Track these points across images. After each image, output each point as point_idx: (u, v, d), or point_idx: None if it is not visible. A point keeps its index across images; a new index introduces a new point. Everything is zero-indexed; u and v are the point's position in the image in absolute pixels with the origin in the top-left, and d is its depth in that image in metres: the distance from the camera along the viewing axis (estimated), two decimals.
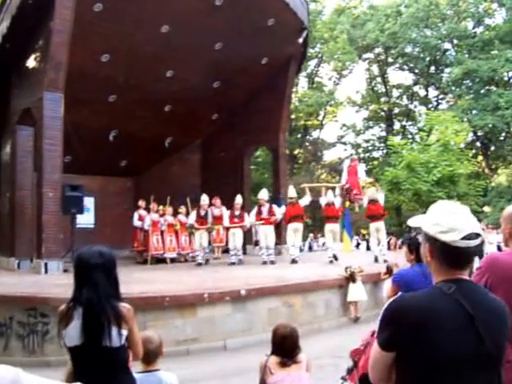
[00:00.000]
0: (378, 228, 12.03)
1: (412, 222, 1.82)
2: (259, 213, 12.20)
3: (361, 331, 3.37)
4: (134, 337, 2.59)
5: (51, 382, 1.29)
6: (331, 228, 12.26)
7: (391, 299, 1.71)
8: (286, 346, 3.35)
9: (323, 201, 12.36)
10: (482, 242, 1.62)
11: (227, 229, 12.49)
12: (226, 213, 12.46)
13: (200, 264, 11.93)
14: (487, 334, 1.52)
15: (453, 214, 1.65)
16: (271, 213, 12.18)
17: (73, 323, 2.46)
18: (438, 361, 1.52)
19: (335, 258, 11.95)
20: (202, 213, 12.45)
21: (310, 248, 22.95)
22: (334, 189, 12.91)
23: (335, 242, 12.64)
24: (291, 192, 12.48)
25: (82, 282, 2.53)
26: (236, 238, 12.22)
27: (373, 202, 12.12)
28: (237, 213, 12.27)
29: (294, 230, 12.19)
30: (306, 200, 12.64)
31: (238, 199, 12.51)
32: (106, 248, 2.67)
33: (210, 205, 12.57)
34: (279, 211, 12.40)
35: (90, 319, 2.44)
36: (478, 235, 1.62)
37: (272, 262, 11.75)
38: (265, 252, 11.97)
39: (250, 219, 12.34)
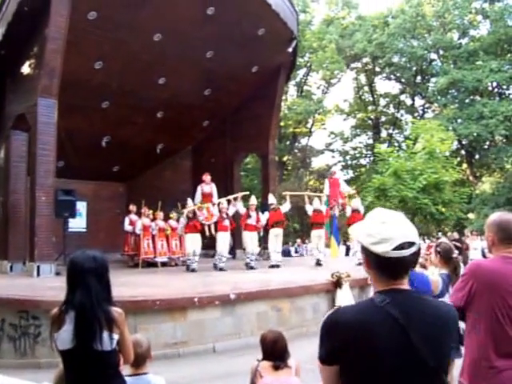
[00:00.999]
0: None
1: (351, 230, 1.77)
2: (247, 217, 12.33)
3: None
4: (125, 341, 2.60)
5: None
6: (318, 234, 12.65)
7: (328, 312, 1.67)
8: (277, 350, 3.43)
9: (309, 208, 12.70)
10: (418, 251, 1.57)
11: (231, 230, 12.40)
12: (215, 190, 12.57)
13: (194, 270, 11.52)
14: (423, 343, 1.49)
15: (384, 223, 1.60)
16: (258, 219, 12.42)
17: (65, 327, 2.46)
18: (372, 372, 1.51)
19: (319, 263, 12.31)
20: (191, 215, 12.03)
21: (297, 252, 23.18)
22: (319, 197, 13.19)
23: (322, 247, 12.97)
24: (271, 199, 12.84)
25: (75, 285, 2.53)
26: (254, 242, 12.36)
27: (357, 211, 12.59)
28: (253, 213, 12.32)
29: (275, 236, 12.48)
30: (286, 207, 12.98)
31: (253, 199, 12.61)
32: (99, 253, 2.67)
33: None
34: (264, 217, 12.63)
35: (82, 323, 2.45)
36: (412, 244, 1.58)
37: (252, 267, 11.85)
38: (251, 257, 12.11)
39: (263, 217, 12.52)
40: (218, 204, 12.31)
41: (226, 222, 11.91)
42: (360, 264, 11.79)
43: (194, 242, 11.67)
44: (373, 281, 1.68)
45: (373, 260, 1.62)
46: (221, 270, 11.53)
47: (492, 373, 2.42)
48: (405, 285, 1.62)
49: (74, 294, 2.50)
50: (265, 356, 3.46)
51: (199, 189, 12.63)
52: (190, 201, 12.42)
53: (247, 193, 13.06)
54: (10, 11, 10.64)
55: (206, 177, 12.79)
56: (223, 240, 11.93)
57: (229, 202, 12.45)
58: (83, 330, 2.44)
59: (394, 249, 1.55)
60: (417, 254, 1.61)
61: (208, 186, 12.68)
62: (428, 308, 1.59)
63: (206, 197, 12.48)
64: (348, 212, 12.97)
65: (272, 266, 12.04)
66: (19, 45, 11.23)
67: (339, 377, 1.58)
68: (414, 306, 1.57)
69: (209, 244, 12.61)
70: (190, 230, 11.72)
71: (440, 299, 3.82)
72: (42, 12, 10.38)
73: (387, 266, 1.59)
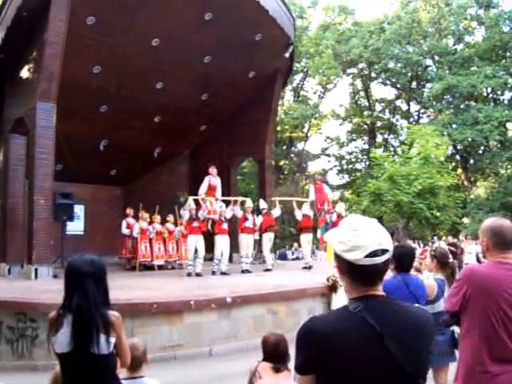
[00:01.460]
0: None
1: (326, 237, 1.75)
2: (244, 220, 12.38)
3: None
4: (122, 344, 2.60)
5: None
6: (308, 238, 12.91)
7: (302, 322, 1.64)
8: (278, 353, 3.43)
9: (299, 213, 12.90)
10: (411, 256, 1.56)
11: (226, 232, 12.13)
12: (220, 184, 12.59)
13: (199, 274, 11.12)
14: (399, 349, 1.48)
15: (356, 230, 1.58)
16: (254, 222, 12.51)
17: (62, 330, 2.46)
18: (349, 380, 1.50)
19: (306, 266, 12.49)
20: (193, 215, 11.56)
21: (293, 255, 23.17)
22: (307, 202, 13.32)
23: (309, 251, 13.30)
24: (262, 204, 12.97)
25: (73, 289, 2.53)
26: (250, 245, 12.42)
27: (341, 216, 12.66)
28: (249, 217, 12.35)
29: (269, 240, 12.59)
30: (277, 212, 13.17)
31: (249, 203, 12.67)
32: (97, 256, 2.67)
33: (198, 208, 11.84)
34: (258, 221, 12.75)
35: (80, 326, 2.44)
36: (385, 251, 1.56)
37: (247, 271, 11.88)
38: (247, 260, 12.18)
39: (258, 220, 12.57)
40: (223, 201, 12.32)
41: (225, 226, 11.86)
42: (309, 268, 12.27)
43: (197, 244, 11.32)
44: (346, 288, 1.67)
45: (345, 267, 1.60)
46: (223, 274, 11.37)
47: (486, 377, 2.44)
48: (379, 291, 1.61)
49: (72, 297, 2.51)
50: (266, 358, 3.48)
51: (207, 180, 12.48)
52: (191, 200, 12.05)
53: (246, 199, 13.10)
54: (9, 16, 10.70)
55: (213, 169, 12.72)
56: (222, 243, 11.75)
57: (228, 202, 12.49)
58: (81, 334, 2.44)
59: (367, 256, 1.54)
60: (391, 260, 1.62)
61: (215, 179, 12.64)
62: (404, 314, 1.58)
63: (212, 190, 12.38)
64: (334, 217, 13.08)
65: (266, 270, 12.16)
66: (18, 49, 11.29)
67: None
68: (389, 312, 1.56)
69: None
70: (194, 231, 11.37)
71: (435, 304, 3.93)
72: (41, 17, 10.45)
73: (360, 273, 1.57)
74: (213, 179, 12.61)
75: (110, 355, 2.51)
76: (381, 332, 1.49)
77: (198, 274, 11.11)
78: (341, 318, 1.56)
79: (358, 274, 1.58)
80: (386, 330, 1.49)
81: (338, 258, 1.63)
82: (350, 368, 1.49)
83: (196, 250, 11.32)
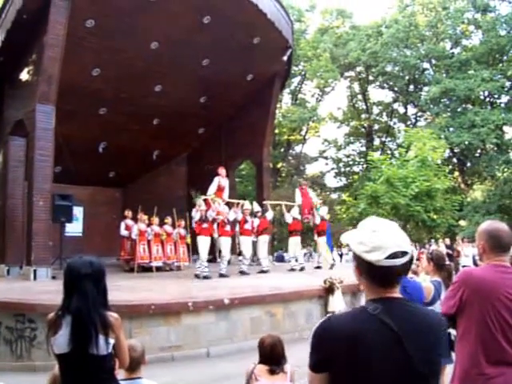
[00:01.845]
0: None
1: (343, 237, 1.75)
2: (245, 222, 12.41)
3: None
4: (120, 345, 2.61)
5: None
6: (297, 241, 13.16)
7: (321, 320, 1.65)
8: (274, 355, 3.46)
9: (288, 216, 13.01)
10: (411, 259, 1.55)
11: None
12: (227, 185, 12.59)
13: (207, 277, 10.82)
14: (415, 351, 1.49)
15: (376, 232, 1.60)
16: (252, 226, 12.58)
17: (61, 331, 2.48)
18: (364, 380, 1.50)
19: (293, 268, 12.68)
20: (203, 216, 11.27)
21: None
22: (292, 207, 13.47)
23: (298, 253, 13.53)
24: (256, 207, 12.95)
25: (72, 290, 2.54)
26: (249, 247, 12.47)
27: (324, 220, 13.37)
28: (248, 219, 12.37)
29: (264, 242, 12.68)
30: (270, 215, 13.30)
31: (248, 205, 12.67)
32: (96, 258, 2.68)
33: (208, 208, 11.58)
34: (255, 223, 12.81)
35: (79, 327, 2.46)
36: (404, 253, 1.58)
37: (244, 273, 11.90)
38: (245, 262, 12.21)
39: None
40: (227, 204, 12.30)
41: (228, 228, 11.85)
42: (295, 269, 12.43)
43: (207, 246, 11.19)
44: (364, 289, 1.67)
45: (364, 268, 1.61)
46: (222, 275, 11.16)
47: (482, 380, 2.45)
48: (397, 293, 1.62)
49: (71, 299, 2.52)
50: (262, 360, 3.49)
51: (216, 180, 12.33)
52: (200, 201, 11.69)
53: (246, 202, 13.14)
54: (9, 19, 10.75)
55: (222, 170, 12.65)
56: (224, 245, 11.70)
57: (229, 204, 12.48)
58: (79, 335, 2.46)
59: (387, 257, 1.55)
60: (409, 263, 1.61)
61: (224, 180, 12.58)
62: (419, 316, 1.59)
63: (220, 190, 12.29)
64: (317, 220, 13.35)
65: (262, 272, 12.16)
66: (18, 52, 11.36)
67: None
68: (406, 314, 1.57)
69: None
70: (204, 232, 11.18)
71: (431, 306, 3.91)
72: (41, 20, 10.51)
73: (379, 275, 1.58)
74: (222, 180, 12.54)
75: (108, 356, 2.53)
76: (399, 334, 1.50)
77: (205, 277, 10.85)
78: (359, 319, 1.56)
79: (377, 275, 1.59)
80: (404, 332, 1.51)
81: (357, 258, 1.64)
82: (365, 368, 1.50)
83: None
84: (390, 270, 1.57)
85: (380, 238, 1.58)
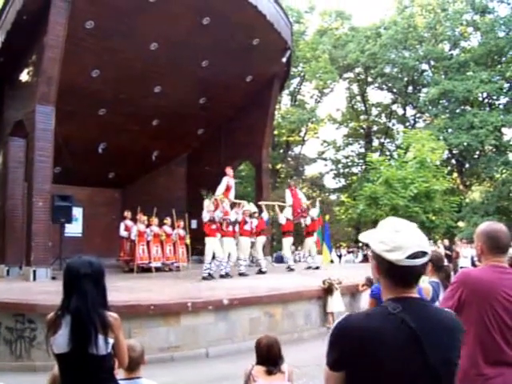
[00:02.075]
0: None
1: (362, 236, 1.77)
2: (244, 223, 12.40)
3: None
4: (120, 345, 2.62)
5: None
6: (291, 241, 13.29)
7: (339, 318, 1.65)
8: (271, 356, 3.47)
9: (282, 217, 13.07)
10: (456, 257, 1.60)
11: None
12: (234, 186, 12.71)
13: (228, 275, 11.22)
14: (434, 351, 1.51)
15: (398, 231, 1.62)
16: (251, 226, 12.59)
17: (61, 331, 2.49)
18: (383, 380, 1.51)
19: (310, 266, 12.79)
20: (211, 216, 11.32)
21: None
22: (284, 208, 13.53)
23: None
24: (253, 208, 12.95)
25: (71, 290, 2.55)
26: (248, 247, 12.53)
27: (314, 220, 13.43)
28: (248, 219, 12.41)
29: (262, 243, 12.75)
30: (265, 216, 13.42)
31: (247, 206, 12.73)
32: (95, 258, 2.69)
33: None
34: (254, 224, 12.82)
35: (78, 327, 2.47)
36: (424, 253, 1.60)
37: (244, 274, 11.91)
38: (244, 263, 12.22)
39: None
40: (232, 204, 12.35)
41: (230, 228, 11.86)
42: (291, 270, 12.43)
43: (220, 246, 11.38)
44: (383, 288, 1.68)
45: (384, 267, 1.63)
46: (226, 275, 11.31)
47: (481, 380, 2.46)
48: (415, 293, 1.64)
49: (70, 298, 2.53)
50: (259, 360, 3.51)
51: (225, 181, 12.38)
52: (208, 201, 11.72)
53: (244, 202, 13.16)
54: (9, 20, 10.81)
55: (230, 170, 12.73)
56: (228, 246, 11.74)
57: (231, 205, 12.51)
58: (79, 334, 2.47)
59: (408, 257, 1.56)
60: (427, 263, 1.63)
61: (232, 180, 12.70)
62: (438, 317, 1.61)
63: (227, 191, 12.35)
64: (308, 220, 13.43)
65: (260, 272, 12.22)
66: (18, 53, 11.42)
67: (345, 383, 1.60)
68: (425, 314, 1.59)
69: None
70: (212, 233, 11.29)
71: None
72: (41, 21, 10.57)
73: (399, 274, 1.60)
74: (230, 180, 12.62)
75: (107, 356, 2.54)
76: (419, 335, 1.51)
77: (211, 276, 11.01)
78: (379, 317, 1.57)
79: (397, 274, 1.61)
80: (423, 332, 1.52)
81: (377, 258, 1.65)
82: (383, 367, 1.51)
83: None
84: (410, 270, 1.59)
85: (401, 237, 1.60)
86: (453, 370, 1.59)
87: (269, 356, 3.46)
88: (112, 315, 2.58)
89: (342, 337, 1.57)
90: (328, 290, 9.05)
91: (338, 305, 8.96)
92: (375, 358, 1.51)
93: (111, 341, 2.53)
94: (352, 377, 1.56)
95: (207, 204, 11.38)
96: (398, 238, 1.59)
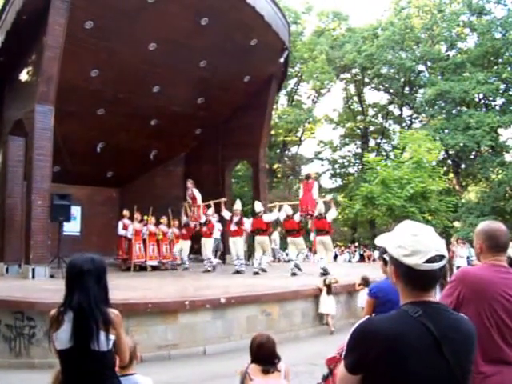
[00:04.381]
0: (322, 241, 11.86)
1: (378, 241, 1.78)
2: (230, 222, 12.55)
3: (336, 340, 3.24)
4: (121, 342, 2.63)
5: None
6: (296, 241, 12.42)
7: (360, 321, 1.66)
8: (262, 353, 3.44)
9: (282, 216, 12.58)
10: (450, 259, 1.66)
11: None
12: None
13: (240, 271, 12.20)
14: (453, 356, 1.52)
15: (416, 236, 1.62)
16: (241, 224, 12.60)
17: (63, 327, 2.50)
18: (401, 383, 1.52)
19: (298, 268, 12.08)
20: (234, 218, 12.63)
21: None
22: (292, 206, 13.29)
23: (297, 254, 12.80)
24: (258, 207, 12.69)
25: (74, 287, 2.56)
26: (237, 247, 12.56)
27: (322, 217, 11.72)
28: (236, 219, 12.47)
29: (259, 243, 12.59)
30: (269, 217, 12.82)
31: (238, 205, 12.77)
32: (97, 255, 2.71)
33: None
34: (247, 223, 12.78)
35: (80, 323, 2.48)
36: (442, 257, 1.60)
37: (240, 272, 12.01)
38: (236, 262, 12.32)
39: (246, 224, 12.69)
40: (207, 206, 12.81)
41: (234, 227, 12.19)
42: (294, 274, 11.53)
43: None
44: (400, 292, 1.68)
45: (402, 271, 1.63)
46: (256, 273, 11.78)
47: (479, 378, 2.43)
48: (433, 297, 1.65)
49: (73, 295, 2.54)
50: (253, 359, 3.49)
51: (196, 192, 13.38)
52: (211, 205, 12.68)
53: (224, 199, 13.43)
54: (8, 20, 10.85)
55: (189, 182, 13.78)
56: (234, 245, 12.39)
57: (209, 206, 12.83)
58: (81, 330, 2.47)
59: (426, 261, 1.57)
60: (444, 267, 1.63)
61: (195, 190, 13.42)
62: (457, 322, 1.61)
63: (194, 199, 13.33)
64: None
65: (255, 273, 12.04)
66: (17, 52, 11.43)
67: None
68: (445, 319, 1.59)
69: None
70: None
71: None
72: (40, 21, 10.59)
73: (417, 279, 1.60)
74: (194, 190, 13.32)
75: (109, 352, 2.55)
76: (439, 338, 1.52)
77: (239, 272, 12.07)
78: (400, 321, 1.57)
79: (415, 279, 1.61)
80: (443, 336, 1.53)
81: (395, 262, 1.65)
82: (403, 370, 1.51)
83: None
84: (428, 274, 1.60)
85: (420, 242, 1.60)
86: (468, 375, 1.60)
87: (263, 354, 3.44)
88: (113, 312, 2.60)
89: (365, 340, 1.57)
90: (327, 289, 8.94)
91: (329, 307, 8.84)
92: (396, 361, 1.51)
93: (112, 337, 2.55)
94: (372, 380, 1.56)
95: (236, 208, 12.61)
96: (416, 243, 1.60)
